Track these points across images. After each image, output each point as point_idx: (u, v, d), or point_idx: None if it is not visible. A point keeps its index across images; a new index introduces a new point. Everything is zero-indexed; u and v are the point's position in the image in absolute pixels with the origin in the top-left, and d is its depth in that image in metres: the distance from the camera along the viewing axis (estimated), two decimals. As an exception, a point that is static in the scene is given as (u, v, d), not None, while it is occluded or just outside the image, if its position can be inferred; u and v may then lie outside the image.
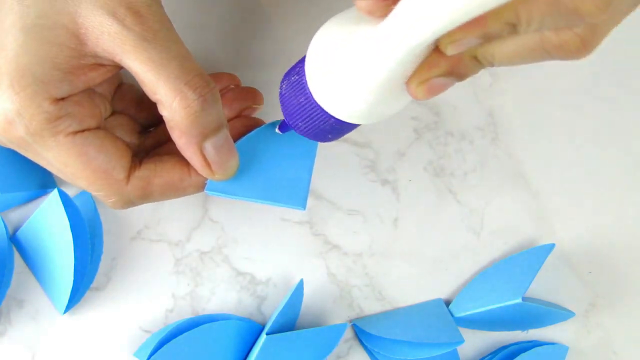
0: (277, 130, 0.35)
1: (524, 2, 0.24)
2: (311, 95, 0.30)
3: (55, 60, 0.29)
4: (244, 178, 0.35)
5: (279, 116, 0.33)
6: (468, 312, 0.43)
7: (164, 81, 0.29)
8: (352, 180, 0.44)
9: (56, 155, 0.30)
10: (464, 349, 0.43)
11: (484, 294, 0.43)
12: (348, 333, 0.43)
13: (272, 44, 0.44)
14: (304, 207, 0.35)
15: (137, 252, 0.42)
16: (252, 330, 0.41)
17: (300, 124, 0.31)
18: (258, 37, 0.44)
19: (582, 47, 0.25)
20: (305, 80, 0.30)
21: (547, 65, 0.47)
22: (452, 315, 0.43)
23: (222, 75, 0.39)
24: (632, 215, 0.47)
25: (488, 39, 0.26)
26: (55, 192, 0.37)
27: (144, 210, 0.42)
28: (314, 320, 0.43)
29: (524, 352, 0.42)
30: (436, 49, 0.27)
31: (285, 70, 0.32)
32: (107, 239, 0.41)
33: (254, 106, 0.39)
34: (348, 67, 0.28)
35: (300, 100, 0.30)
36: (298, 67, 0.30)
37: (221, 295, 0.42)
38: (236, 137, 0.36)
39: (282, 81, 0.31)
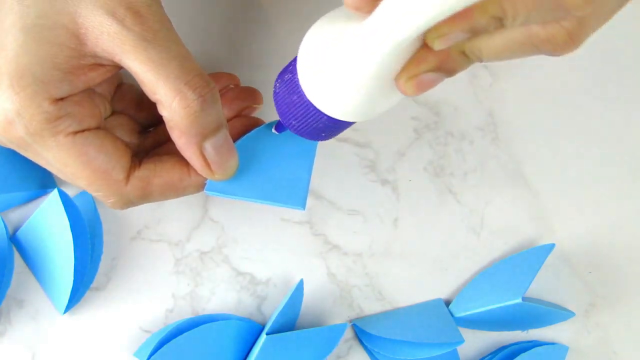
0: (273, 130, 0.35)
1: None
2: (304, 93, 0.30)
3: (55, 60, 0.29)
4: (244, 178, 0.35)
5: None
6: (468, 312, 0.43)
7: (163, 81, 0.29)
8: (352, 180, 0.44)
9: (56, 156, 0.30)
10: (464, 349, 0.43)
11: (484, 294, 0.43)
12: (348, 333, 0.43)
13: (272, 43, 0.44)
14: (303, 207, 0.36)
15: (137, 252, 0.42)
16: (252, 330, 0.41)
17: (294, 122, 0.31)
18: (257, 37, 0.44)
19: (570, 40, 0.25)
20: (298, 79, 0.30)
21: (547, 65, 0.47)
22: (452, 315, 0.43)
23: (221, 75, 0.39)
24: (632, 215, 0.47)
25: (475, 33, 0.26)
26: (55, 192, 0.37)
27: (144, 210, 0.42)
28: (314, 320, 0.43)
29: (524, 352, 0.42)
30: (425, 44, 0.27)
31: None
32: (107, 239, 0.41)
33: (254, 106, 0.39)
34: (338, 65, 0.28)
35: (294, 99, 0.30)
36: (291, 66, 0.30)
37: (221, 295, 0.42)
38: (236, 137, 0.36)
39: (276, 80, 0.32)
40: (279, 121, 0.34)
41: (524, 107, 0.47)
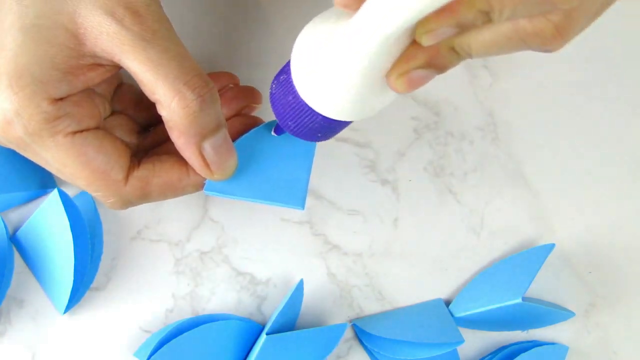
0: (272, 133, 0.35)
1: None
2: (298, 94, 0.30)
3: (54, 60, 0.29)
4: (243, 178, 0.35)
5: (278, 115, 0.33)
6: (468, 312, 0.42)
7: (162, 81, 0.29)
8: (352, 180, 0.44)
9: (55, 156, 0.30)
10: (464, 349, 0.43)
11: (484, 294, 0.43)
12: (348, 333, 0.43)
13: (271, 42, 0.44)
14: (302, 206, 0.36)
15: (137, 252, 0.42)
16: (252, 330, 0.41)
17: (290, 123, 0.32)
18: (256, 36, 0.44)
19: (558, 34, 0.25)
20: (292, 80, 0.30)
21: (548, 65, 0.47)
22: (452, 315, 0.43)
23: (221, 75, 0.39)
24: (632, 215, 0.47)
25: (463, 28, 0.25)
26: (55, 192, 0.37)
27: (144, 210, 0.42)
28: (314, 320, 0.43)
29: (524, 352, 0.42)
30: (414, 41, 0.27)
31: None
32: (107, 239, 0.41)
33: (253, 105, 0.39)
34: (329, 64, 0.28)
35: (289, 99, 0.30)
36: (286, 67, 0.30)
37: (221, 295, 0.42)
38: (235, 136, 0.36)
39: (273, 81, 0.32)
40: (277, 124, 0.34)
41: (524, 107, 0.47)
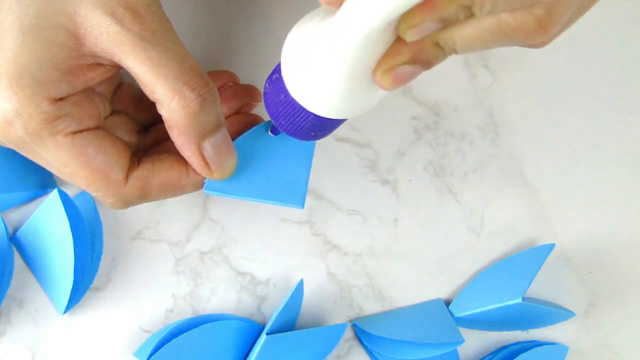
0: (269, 133, 0.36)
1: None
2: (289, 93, 0.30)
3: (54, 60, 0.29)
4: (242, 177, 0.35)
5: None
6: (468, 312, 0.42)
7: (162, 81, 0.29)
8: (352, 180, 0.44)
9: (55, 156, 0.30)
10: (464, 349, 0.43)
11: (484, 294, 0.43)
12: (348, 333, 0.43)
13: (270, 41, 0.44)
14: (302, 205, 0.36)
15: (137, 252, 0.42)
16: (252, 330, 0.41)
17: (282, 122, 0.32)
18: (256, 35, 0.44)
19: (540, 28, 0.25)
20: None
21: (548, 65, 0.47)
22: (452, 315, 0.43)
23: (220, 73, 0.39)
24: (632, 215, 0.47)
25: (446, 23, 0.25)
26: (55, 192, 0.37)
27: (144, 210, 0.42)
28: (314, 320, 0.43)
29: (524, 352, 0.42)
30: (399, 37, 0.27)
31: None
32: (107, 239, 0.41)
33: (252, 103, 0.39)
34: (317, 62, 0.28)
35: (281, 98, 0.31)
36: (279, 66, 0.31)
37: (221, 295, 0.42)
38: (235, 134, 0.36)
39: (266, 81, 0.32)
40: (274, 124, 0.34)
41: (524, 107, 0.47)
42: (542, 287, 0.45)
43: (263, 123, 0.36)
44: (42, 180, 0.40)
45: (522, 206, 0.46)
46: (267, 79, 0.32)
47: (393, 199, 0.45)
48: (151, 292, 0.41)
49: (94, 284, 0.41)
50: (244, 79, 0.40)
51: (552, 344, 0.44)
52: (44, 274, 0.39)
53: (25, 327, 0.40)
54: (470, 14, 0.25)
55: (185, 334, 0.39)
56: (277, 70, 0.31)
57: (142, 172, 0.33)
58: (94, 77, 0.31)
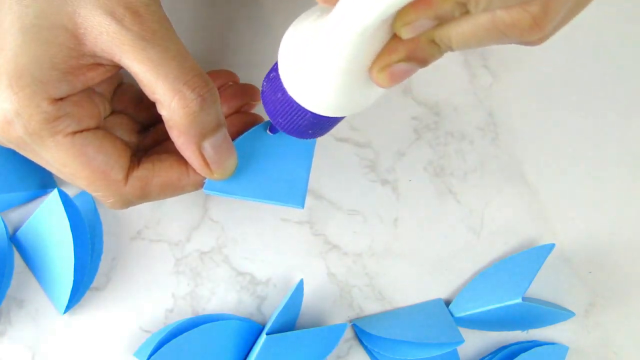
0: (267, 131, 0.36)
1: None
2: (286, 90, 0.30)
3: (54, 60, 0.29)
4: (242, 177, 0.35)
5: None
6: (468, 312, 0.42)
7: (162, 81, 0.29)
8: (352, 180, 0.44)
9: (55, 156, 0.30)
10: (464, 349, 0.43)
11: (484, 294, 0.43)
12: (348, 333, 0.43)
13: (270, 41, 0.44)
14: (302, 205, 0.36)
15: (137, 252, 0.42)
16: (252, 330, 0.41)
17: (280, 120, 0.32)
18: (256, 34, 0.44)
19: (535, 25, 0.25)
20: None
21: (547, 65, 0.47)
22: (452, 315, 0.43)
23: (220, 72, 0.39)
24: (632, 215, 0.47)
25: (441, 20, 0.25)
26: (55, 192, 0.37)
27: (144, 210, 0.42)
28: (314, 320, 0.43)
29: (524, 352, 0.42)
30: (395, 35, 0.27)
31: None
32: (107, 239, 0.41)
33: (252, 102, 0.39)
34: (313, 60, 0.28)
35: (278, 96, 0.31)
36: (276, 65, 0.31)
37: (221, 295, 0.42)
38: (235, 134, 0.36)
39: (264, 79, 0.32)
40: (272, 123, 0.34)
41: (524, 107, 0.47)
42: (542, 287, 0.45)
43: (263, 123, 0.36)
44: (42, 180, 0.40)
45: (522, 206, 0.46)
46: (265, 78, 0.32)
47: (393, 199, 0.45)
48: (151, 292, 0.41)
49: (94, 284, 0.41)
50: (243, 78, 0.40)
51: (552, 344, 0.44)
52: (44, 274, 0.39)
53: (25, 327, 0.40)
54: (465, 11, 0.25)
55: (185, 334, 0.39)
56: (275, 68, 0.31)
57: (142, 172, 0.33)
58: (94, 77, 0.31)
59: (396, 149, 0.45)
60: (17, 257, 0.40)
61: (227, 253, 0.42)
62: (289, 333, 0.40)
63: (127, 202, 0.33)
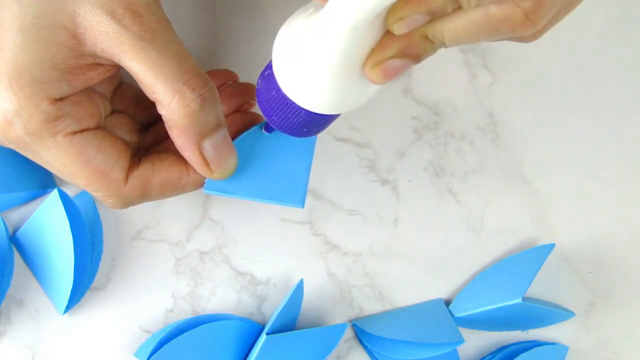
0: (262, 130, 0.35)
1: None
2: (281, 88, 0.30)
3: (54, 60, 0.29)
4: (242, 176, 0.35)
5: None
6: (468, 312, 0.42)
7: (162, 81, 0.29)
8: (352, 180, 0.44)
9: (55, 155, 0.30)
10: (464, 349, 0.43)
11: (484, 294, 0.43)
12: (348, 333, 0.43)
13: (270, 40, 0.44)
14: (302, 205, 0.35)
15: (137, 252, 0.42)
16: (252, 330, 0.41)
17: (275, 118, 0.32)
18: (256, 33, 0.44)
19: (527, 20, 0.25)
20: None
21: (547, 65, 0.47)
22: (452, 315, 0.43)
23: (219, 72, 0.39)
24: (632, 215, 0.47)
25: (434, 15, 0.25)
26: (55, 192, 0.37)
27: (144, 210, 0.42)
28: (314, 320, 0.43)
29: (524, 352, 0.42)
30: (388, 31, 0.26)
31: None
32: (107, 239, 0.41)
33: (252, 102, 0.39)
34: (306, 57, 0.28)
35: (273, 94, 0.31)
36: (270, 62, 0.31)
37: (221, 295, 0.42)
38: (235, 133, 0.36)
39: (259, 77, 0.32)
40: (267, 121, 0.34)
41: (524, 107, 0.47)
42: (542, 287, 0.45)
43: (263, 122, 0.36)
44: (42, 180, 0.40)
45: (522, 206, 0.46)
46: (260, 76, 0.32)
47: (393, 199, 0.45)
48: (151, 292, 0.41)
49: (94, 284, 0.41)
50: (243, 77, 0.40)
51: (552, 344, 0.44)
52: (44, 274, 0.39)
53: (25, 327, 0.40)
54: (458, 7, 0.25)
55: (185, 334, 0.39)
56: (269, 66, 0.31)
57: (142, 171, 0.33)
58: (94, 77, 0.31)
59: (396, 149, 0.45)
60: (17, 257, 0.40)
61: (227, 253, 0.42)
62: (289, 333, 0.40)
63: (127, 202, 0.33)
